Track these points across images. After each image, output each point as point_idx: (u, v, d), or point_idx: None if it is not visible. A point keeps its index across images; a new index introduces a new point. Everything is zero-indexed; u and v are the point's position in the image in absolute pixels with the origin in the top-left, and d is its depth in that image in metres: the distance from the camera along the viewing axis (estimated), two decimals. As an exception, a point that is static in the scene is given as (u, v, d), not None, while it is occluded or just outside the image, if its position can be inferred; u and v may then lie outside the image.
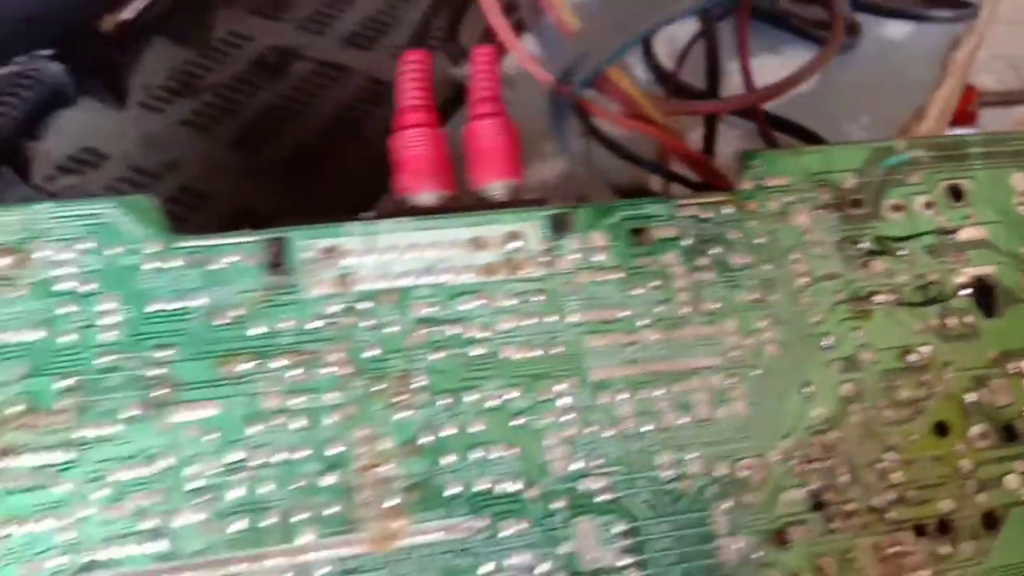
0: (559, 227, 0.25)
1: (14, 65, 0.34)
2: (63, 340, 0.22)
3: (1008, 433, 0.25)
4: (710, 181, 0.28)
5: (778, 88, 0.35)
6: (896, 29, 0.47)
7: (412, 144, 0.26)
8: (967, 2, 0.47)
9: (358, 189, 0.36)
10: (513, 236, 0.24)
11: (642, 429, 0.23)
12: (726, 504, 0.23)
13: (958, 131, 0.39)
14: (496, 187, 0.26)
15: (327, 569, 0.21)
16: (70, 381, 0.21)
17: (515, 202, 0.26)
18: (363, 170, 0.34)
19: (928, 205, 0.27)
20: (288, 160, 0.39)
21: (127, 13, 0.37)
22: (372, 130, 0.48)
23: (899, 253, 0.26)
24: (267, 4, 0.52)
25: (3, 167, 0.40)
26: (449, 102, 0.48)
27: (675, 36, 0.42)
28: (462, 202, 0.26)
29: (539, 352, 0.24)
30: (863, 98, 0.46)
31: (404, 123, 0.26)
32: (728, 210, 0.25)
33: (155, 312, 0.22)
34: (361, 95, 0.48)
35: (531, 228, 0.25)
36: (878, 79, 0.48)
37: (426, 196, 0.26)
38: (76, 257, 0.22)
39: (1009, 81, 0.54)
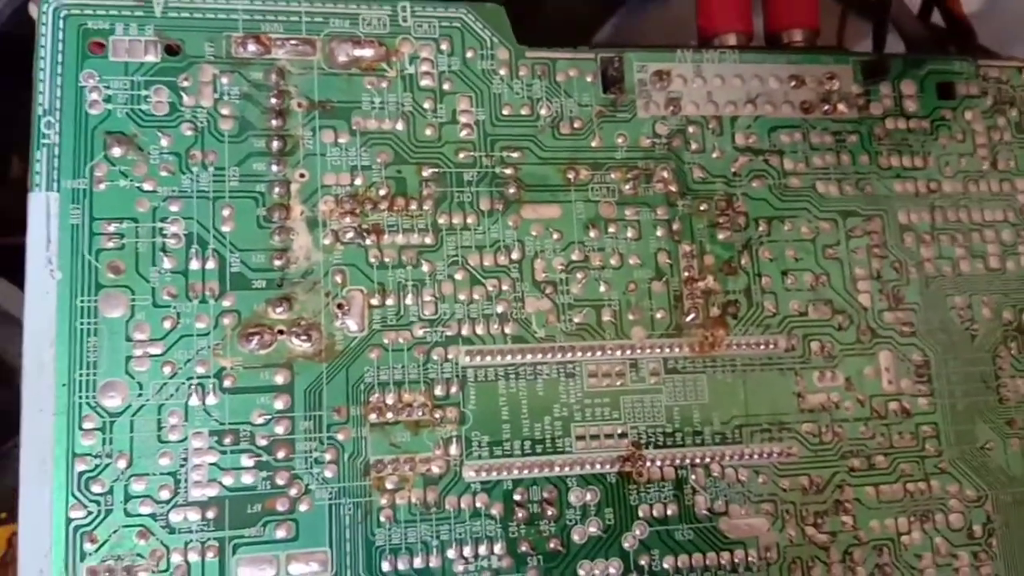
0: (873, 73, 0.24)
1: None
2: (424, 132, 0.22)
3: None
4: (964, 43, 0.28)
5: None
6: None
7: (721, -16, 0.26)
8: None
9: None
10: (830, 76, 0.24)
11: (942, 272, 0.24)
12: (1011, 348, 0.24)
13: None
14: (796, 34, 0.26)
15: (654, 367, 0.22)
16: (431, 171, 0.22)
17: (820, 48, 0.25)
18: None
19: None
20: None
21: None
22: (545, 14, 0.47)
23: None
24: None
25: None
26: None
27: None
28: (759, 46, 0.26)
29: (850, 190, 0.24)
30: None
31: (711, -35, 0.26)
32: (1028, 75, 0.25)
33: (507, 116, 0.23)
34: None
35: (846, 72, 0.25)
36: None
37: (731, 37, 0.26)
38: (434, 55, 0.23)
39: None
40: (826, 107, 0.24)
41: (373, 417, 0.21)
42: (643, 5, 0.45)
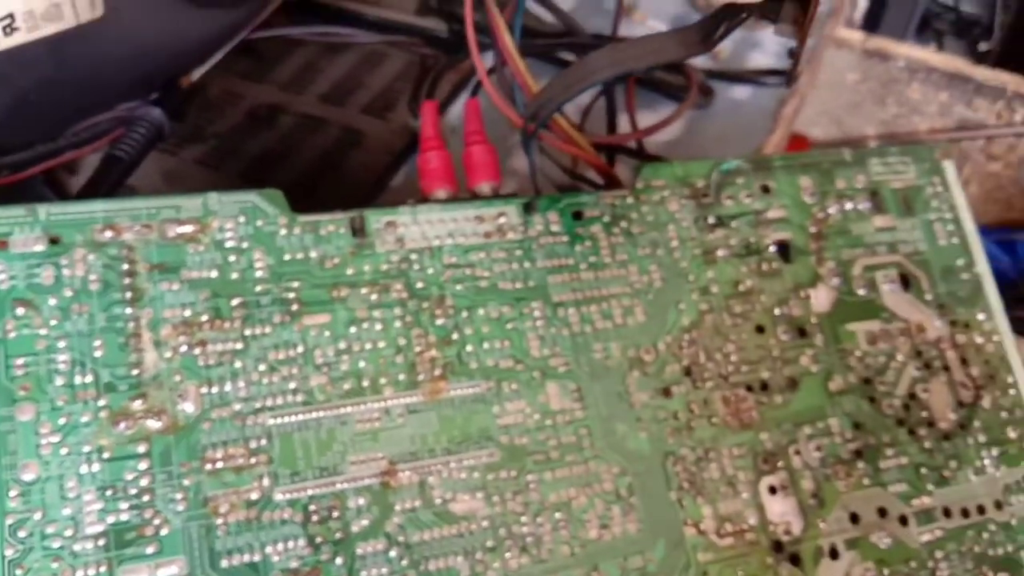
0: (529, 209, 0.37)
1: (124, 111, 0.43)
2: (232, 276, 0.33)
3: (801, 332, 0.39)
4: (610, 182, 0.41)
5: (656, 127, 0.48)
6: (741, 91, 0.61)
7: (432, 160, 0.38)
8: (792, 72, 0.60)
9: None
10: (501, 214, 0.36)
11: (585, 330, 0.36)
12: (635, 373, 0.36)
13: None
14: (485, 187, 0.38)
15: (400, 411, 0.33)
16: (238, 300, 0.32)
17: (499, 196, 0.38)
18: (344, 202, 0.37)
19: (748, 196, 0.40)
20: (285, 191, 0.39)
21: (195, 75, 0.47)
22: (350, 169, 0.58)
23: (732, 225, 0.39)
24: (253, 69, 0.62)
25: (45, 188, 0.48)
26: (408, 147, 0.59)
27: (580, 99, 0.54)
28: (463, 196, 0.38)
29: (520, 285, 0.36)
30: (717, 143, 0.59)
31: (426, 147, 0.38)
32: (630, 200, 0.38)
33: (288, 260, 0.33)
34: (339, 142, 0.59)
35: (512, 210, 0.37)
36: (728, 129, 0.61)
37: (441, 192, 0.37)
38: (234, 226, 0.33)
39: (832, 131, 0.68)
40: (500, 234, 0.36)
41: (208, 467, 0.30)
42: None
